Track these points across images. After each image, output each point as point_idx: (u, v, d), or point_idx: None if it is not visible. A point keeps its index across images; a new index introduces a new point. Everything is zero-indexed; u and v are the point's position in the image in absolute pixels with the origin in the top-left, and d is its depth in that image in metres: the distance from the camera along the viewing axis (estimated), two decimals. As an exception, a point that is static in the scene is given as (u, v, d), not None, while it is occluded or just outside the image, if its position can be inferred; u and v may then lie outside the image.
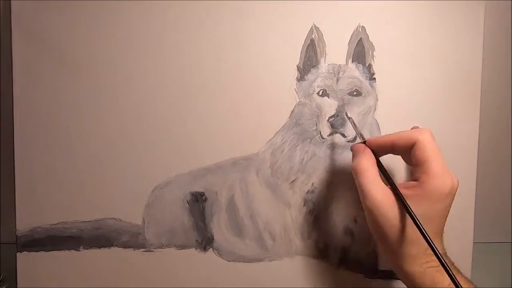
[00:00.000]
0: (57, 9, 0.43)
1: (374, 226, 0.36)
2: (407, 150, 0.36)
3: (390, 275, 0.46)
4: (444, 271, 0.33)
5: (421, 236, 0.33)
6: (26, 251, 0.44)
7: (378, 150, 0.38)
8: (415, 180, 0.36)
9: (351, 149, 0.40)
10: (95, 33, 0.43)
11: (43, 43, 0.43)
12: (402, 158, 0.39)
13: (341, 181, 0.45)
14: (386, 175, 0.37)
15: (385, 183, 0.37)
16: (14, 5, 0.43)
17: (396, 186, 0.35)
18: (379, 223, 0.35)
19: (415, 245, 0.34)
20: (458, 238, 0.45)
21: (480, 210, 0.46)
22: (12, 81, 0.43)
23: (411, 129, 0.39)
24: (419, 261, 0.35)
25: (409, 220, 0.34)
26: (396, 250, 0.35)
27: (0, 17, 0.45)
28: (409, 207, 0.34)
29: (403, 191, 0.35)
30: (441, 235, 0.37)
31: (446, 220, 0.36)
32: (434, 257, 0.34)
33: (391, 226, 0.35)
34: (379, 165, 0.37)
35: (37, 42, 0.43)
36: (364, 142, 0.39)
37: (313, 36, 0.44)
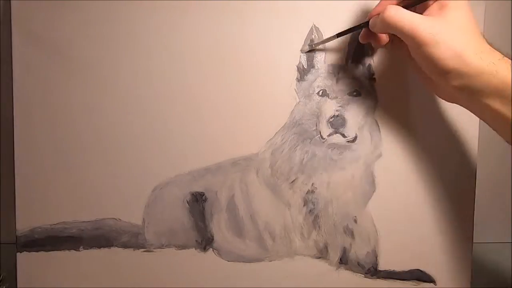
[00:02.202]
0: (57, 9, 0.43)
1: (440, 53, 0.34)
2: None
3: (390, 275, 0.46)
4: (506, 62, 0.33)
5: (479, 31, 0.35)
6: (26, 251, 0.44)
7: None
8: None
9: (372, 22, 0.38)
10: (95, 33, 0.43)
11: (43, 43, 0.43)
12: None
13: (341, 181, 0.45)
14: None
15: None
16: (14, 5, 0.43)
17: None
18: (441, 44, 0.34)
19: (483, 42, 0.35)
20: (458, 238, 0.45)
21: (480, 210, 0.46)
22: (12, 81, 0.43)
23: None
24: (488, 56, 0.34)
25: (462, 24, 0.35)
26: (471, 59, 0.34)
27: (0, 17, 0.45)
28: None
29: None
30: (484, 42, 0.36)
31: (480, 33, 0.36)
32: (494, 55, 0.34)
33: (455, 39, 0.34)
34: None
35: (37, 42, 0.43)
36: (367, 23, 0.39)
37: (313, 36, 0.44)
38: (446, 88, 0.36)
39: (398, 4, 0.37)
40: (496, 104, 0.34)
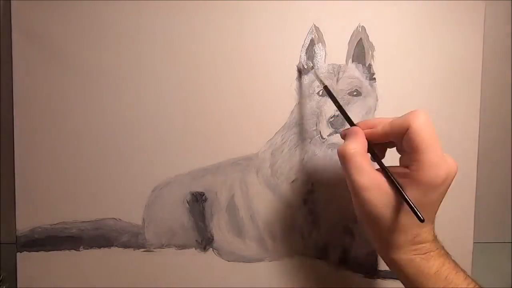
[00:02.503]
0: (57, 9, 0.43)
1: (362, 212, 0.34)
2: (401, 137, 0.33)
3: (390, 275, 0.46)
4: (431, 257, 0.33)
5: (409, 224, 0.32)
6: (26, 251, 0.44)
7: (369, 139, 0.35)
8: (406, 167, 0.33)
9: (342, 135, 0.37)
10: (96, 33, 0.43)
11: (43, 43, 0.43)
12: (396, 147, 0.36)
13: (341, 181, 0.45)
14: (377, 160, 0.35)
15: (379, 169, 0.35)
16: (14, 5, 0.43)
17: (388, 170, 0.33)
18: (365, 210, 0.33)
19: (402, 234, 0.33)
20: (458, 238, 0.45)
21: (480, 210, 0.46)
22: (12, 81, 0.43)
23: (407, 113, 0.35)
24: (406, 249, 0.33)
25: (396, 208, 0.32)
26: (382, 237, 0.34)
27: (0, 17, 0.45)
28: (400, 187, 0.32)
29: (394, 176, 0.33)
30: (433, 222, 0.35)
31: (439, 207, 0.34)
32: (421, 246, 0.33)
33: (377, 214, 0.33)
34: (370, 150, 0.35)
35: (37, 42, 0.43)
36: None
37: (313, 36, 0.44)
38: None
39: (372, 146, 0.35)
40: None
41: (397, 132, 0.33)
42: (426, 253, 0.33)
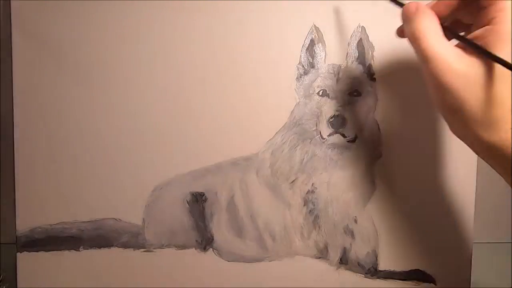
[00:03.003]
0: (57, 9, 0.43)
1: (448, 95, 0.28)
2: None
3: (390, 275, 0.46)
4: None
5: (508, 96, 0.27)
6: (26, 251, 0.44)
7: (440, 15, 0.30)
8: (487, 23, 0.28)
9: (402, 13, 0.32)
10: (95, 33, 0.43)
11: (43, 43, 0.43)
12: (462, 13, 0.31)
13: (341, 181, 0.45)
14: (451, 32, 0.30)
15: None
16: (14, 5, 0.43)
17: (467, 39, 0.29)
18: (454, 88, 0.28)
19: (499, 106, 0.28)
20: (458, 238, 0.45)
21: (480, 210, 0.46)
22: (12, 81, 0.43)
23: None
24: (506, 125, 0.28)
25: (490, 77, 0.27)
26: (476, 117, 0.28)
27: (0, 17, 0.45)
28: (492, 53, 0.27)
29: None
30: None
31: None
32: None
33: (469, 88, 0.27)
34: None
35: (37, 42, 0.43)
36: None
37: (313, 36, 0.44)
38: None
39: (444, 16, 0.30)
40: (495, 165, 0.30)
41: None
42: None
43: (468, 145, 0.32)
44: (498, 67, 0.27)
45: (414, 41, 0.30)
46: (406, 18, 0.31)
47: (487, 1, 0.28)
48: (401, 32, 0.35)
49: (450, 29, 0.30)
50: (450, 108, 0.29)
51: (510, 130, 0.28)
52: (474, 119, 0.29)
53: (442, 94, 0.29)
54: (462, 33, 0.32)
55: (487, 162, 0.31)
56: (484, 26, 0.28)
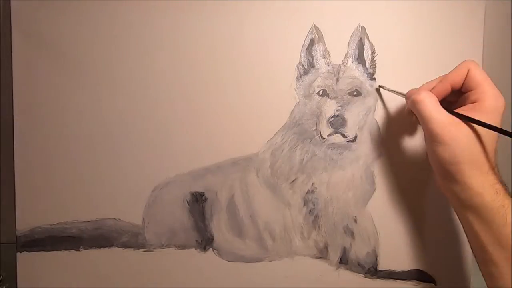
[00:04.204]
0: (57, 9, 0.43)
1: (441, 151, 0.35)
2: (461, 82, 0.37)
3: (390, 275, 0.46)
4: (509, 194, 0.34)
5: (487, 152, 0.34)
6: (26, 251, 0.44)
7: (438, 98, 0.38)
8: (472, 102, 0.36)
9: (406, 97, 0.40)
10: (95, 33, 0.43)
11: (43, 43, 0.43)
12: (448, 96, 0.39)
13: (341, 181, 0.45)
14: (447, 107, 0.37)
15: None
16: (14, 5, 0.43)
17: (457, 112, 0.36)
18: (447, 146, 0.35)
19: (483, 162, 0.35)
20: (458, 238, 0.45)
21: (480, 210, 0.46)
22: (12, 81, 0.43)
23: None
24: (490, 179, 0.35)
25: (476, 139, 0.35)
26: (466, 172, 0.35)
27: (0, 17, 0.45)
28: (480, 121, 0.34)
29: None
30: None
31: None
32: (500, 178, 0.35)
33: (459, 144, 0.35)
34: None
35: (37, 42, 0.43)
36: None
37: (313, 36, 0.44)
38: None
39: (441, 98, 0.38)
40: (473, 219, 0.35)
41: (459, 78, 0.37)
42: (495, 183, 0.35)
43: (448, 196, 0.38)
44: (475, 132, 0.35)
45: (417, 105, 0.36)
46: (410, 94, 0.39)
47: (471, 86, 0.37)
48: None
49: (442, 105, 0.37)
50: (444, 161, 0.35)
51: (494, 185, 0.35)
52: (464, 175, 0.35)
53: (439, 148, 0.35)
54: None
55: (461, 214, 0.37)
56: (471, 103, 0.37)
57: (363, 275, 0.46)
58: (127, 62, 0.44)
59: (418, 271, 0.46)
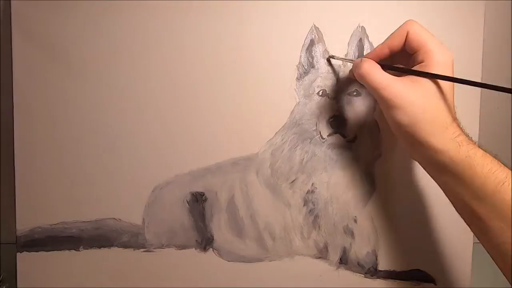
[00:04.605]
0: (57, 9, 0.43)
1: (398, 115, 0.35)
2: (402, 46, 0.38)
3: (390, 275, 0.46)
4: (476, 144, 0.34)
5: (444, 107, 0.34)
6: (26, 251, 0.44)
7: (377, 61, 0.38)
8: (420, 62, 0.36)
9: (352, 66, 0.40)
10: (96, 33, 0.43)
11: (43, 43, 0.43)
12: (397, 60, 0.39)
13: (341, 181, 0.45)
14: (391, 67, 0.37)
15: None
16: (14, 5, 0.43)
17: (405, 68, 0.37)
18: (401, 108, 0.35)
19: (441, 118, 0.35)
20: (458, 238, 0.45)
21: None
22: (12, 81, 0.43)
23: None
24: (450, 133, 0.34)
25: (431, 95, 0.35)
26: (425, 131, 0.34)
27: (0, 17, 0.45)
28: (429, 73, 0.35)
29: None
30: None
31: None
32: (462, 130, 0.35)
33: (414, 105, 0.34)
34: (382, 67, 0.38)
35: (37, 42, 0.43)
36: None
37: (313, 36, 0.44)
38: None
39: (380, 63, 0.38)
40: (447, 179, 0.35)
41: (398, 40, 0.37)
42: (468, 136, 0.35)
43: (418, 161, 0.38)
44: (429, 88, 0.35)
45: (363, 78, 0.37)
46: (355, 67, 0.39)
47: (415, 47, 0.37)
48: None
49: (385, 66, 0.38)
50: (402, 124, 0.35)
51: (456, 138, 0.34)
52: (424, 132, 0.34)
53: (394, 113, 0.35)
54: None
55: (438, 180, 0.37)
56: (419, 63, 0.36)
57: (363, 275, 0.46)
58: (127, 62, 0.44)
59: (418, 271, 0.46)
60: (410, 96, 0.35)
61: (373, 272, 0.46)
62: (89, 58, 0.43)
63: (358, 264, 0.45)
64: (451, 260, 0.45)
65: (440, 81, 0.35)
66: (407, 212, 0.45)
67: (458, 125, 0.35)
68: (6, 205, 0.46)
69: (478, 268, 0.46)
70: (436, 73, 0.35)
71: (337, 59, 0.43)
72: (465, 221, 0.36)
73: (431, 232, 0.45)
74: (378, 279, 0.46)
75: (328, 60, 0.44)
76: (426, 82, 0.35)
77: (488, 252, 0.34)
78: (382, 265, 0.45)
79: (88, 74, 0.44)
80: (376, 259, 0.45)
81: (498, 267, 0.34)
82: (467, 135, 0.35)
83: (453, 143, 0.34)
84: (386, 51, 0.38)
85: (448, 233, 0.45)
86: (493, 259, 0.34)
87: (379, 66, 0.37)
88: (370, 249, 0.45)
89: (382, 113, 0.44)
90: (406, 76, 0.36)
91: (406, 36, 0.37)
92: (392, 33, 0.38)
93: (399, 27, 0.38)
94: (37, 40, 0.43)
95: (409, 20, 0.37)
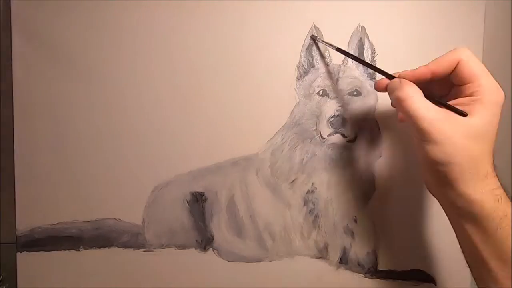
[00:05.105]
0: (57, 9, 0.43)
1: (434, 152, 0.32)
2: (448, 74, 0.34)
3: (390, 275, 0.46)
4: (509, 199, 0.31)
5: (485, 152, 0.31)
6: (26, 251, 0.44)
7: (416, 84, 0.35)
8: (467, 96, 0.33)
9: (387, 87, 0.36)
10: (96, 33, 0.43)
11: (43, 43, 0.43)
12: (437, 87, 0.36)
13: (341, 181, 0.45)
14: (435, 99, 0.34)
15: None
16: (14, 5, 0.43)
17: (449, 105, 0.33)
18: (440, 145, 0.31)
19: (481, 164, 0.31)
20: (458, 238, 0.45)
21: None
22: (12, 81, 0.43)
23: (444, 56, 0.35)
24: (490, 184, 0.31)
25: (473, 137, 0.31)
26: (461, 175, 0.31)
27: (0, 17, 0.45)
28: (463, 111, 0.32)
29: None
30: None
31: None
32: (499, 181, 0.31)
33: (455, 144, 0.31)
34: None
35: (37, 42, 0.43)
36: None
37: (313, 35, 0.44)
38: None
39: (424, 89, 0.34)
40: (468, 227, 0.32)
41: (446, 67, 0.34)
42: (497, 188, 0.32)
43: (440, 200, 0.35)
44: (474, 128, 0.32)
45: (402, 103, 0.33)
46: (392, 89, 0.35)
47: (465, 79, 0.33)
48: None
49: (428, 95, 0.34)
50: (437, 162, 0.32)
51: (488, 187, 0.31)
52: (458, 175, 0.31)
53: (431, 148, 0.32)
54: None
55: (456, 223, 0.34)
56: (466, 96, 0.33)
57: (363, 275, 0.46)
58: (127, 62, 0.44)
59: (418, 271, 0.46)
60: (452, 133, 0.31)
61: (373, 272, 0.46)
62: (89, 58, 0.43)
63: (358, 264, 0.45)
64: (451, 260, 0.45)
65: (489, 124, 0.32)
66: (407, 212, 0.45)
67: (497, 175, 0.32)
68: (6, 205, 0.46)
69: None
70: (485, 112, 0.32)
71: (320, 42, 0.42)
72: (472, 272, 0.34)
73: (431, 232, 0.45)
74: (378, 279, 0.46)
75: (313, 39, 0.43)
76: (473, 121, 0.32)
77: None
78: (382, 265, 0.45)
79: (88, 74, 0.44)
80: (376, 259, 0.45)
81: None
82: (505, 189, 0.32)
83: (491, 195, 0.31)
84: (427, 75, 0.35)
85: (448, 233, 0.45)
86: None
87: (421, 93, 0.33)
88: (370, 249, 0.45)
89: (382, 113, 0.44)
90: (447, 111, 0.33)
91: (457, 65, 0.34)
92: (439, 58, 0.35)
93: (449, 53, 0.34)
94: (37, 40, 0.43)
95: (462, 47, 0.34)
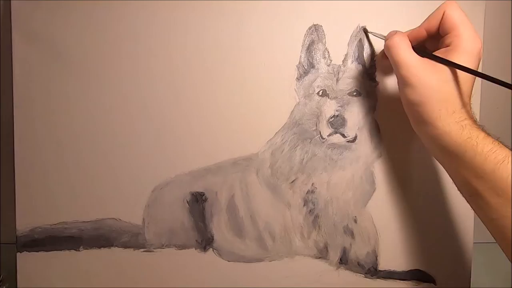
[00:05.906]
0: (57, 10, 0.43)
1: (410, 94, 0.36)
2: (437, 26, 0.38)
3: (390, 275, 0.46)
4: (480, 127, 0.35)
5: (456, 93, 0.35)
6: (26, 251, 0.44)
7: (412, 42, 0.38)
8: (447, 45, 0.37)
9: (386, 36, 0.40)
10: (95, 33, 0.43)
11: (43, 43, 0.43)
12: (431, 43, 0.39)
13: (341, 181, 0.45)
14: (420, 48, 0.37)
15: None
16: (14, 5, 0.43)
17: (434, 55, 0.36)
18: (414, 88, 0.36)
19: (450, 102, 0.35)
20: (458, 238, 0.45)
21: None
22: (12, 81, 0.43)
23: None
24: (456, 117, 0.35)
25: (448, 81, 0.35)
26: (432, 113, 0.35)
27: (0, 17, 0.45)
28: (449, 60, 0.35)
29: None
30: (470, 99, 0.37)
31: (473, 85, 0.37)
32: (470, 115, 0.35)
33: (427, 87, 0.35)
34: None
35: (37, 42, 0.43)
36: None
37: (313, 36, 0.44)
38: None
39: (416, 42, 0.38)
40: (449, 159, 0.36)
41: (434, 21, 0.38)
42: (474, 122, 0.35)
43: (422, 139, 0.38)
44: (447, 73, 0.36)
45: (389, 50, 0.37)
46: (387, 37, 0.39)
47: (447, 29, 0.37)
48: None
49: (418, 48, 0.38)
50: (412, 103, 0.37)
51: (461, 122, 0.35)
52: (431, 114, 0.35)
53: (407, 91, 0.36)
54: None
55: (440, 158, 0.38)
56: (445, 47, 0.37)
57: (363, 275, 0.46)
58: (127, 62, 0.44)
59: (418, 271, 0.46)
60: (425, 78, 0.35)
61: (373, 272, 0.46)
62: (89, 58, 0.43)
63: (358, 264, 0.45)
64: (451, 260, 0.45)
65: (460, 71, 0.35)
66: (407, 212, 0.45)
67: (468, 111, 0.36)
68: (6, 205, 0.46)
69: (478, 268, 0.46)
70: (460, 60, 0.35)
71: (371, 33, 0.43)
72: (465, 197, 0.37)
73: (431, 232, 0.45)
74: (378, 279, 0.46)
75: (365, 32, 0.43)
76: (445, 68, 0.35)
77: (487, 227, 0.35)
78: (382, 265, 0.45)
79: (88, 74, 0.44)
80: (376, 259, 0.45)
81: (496, 241, 0.35)
82: (474, 120, 0.35)
83: (456, 125, 0.35)
84: (423, 33, 0.38)
85: (448, 233, 0.45)
86: (491, 234, 0.35)
87: (409, 44, 0.37)
88: (370, 249, 0.45)
89: (382, 113, 0.44)
90: (428, 60, 0.36)
91: (442, 17, 0.37)
92: (429, 15, 0.38)
93: (437, 8, 0.38)
94: (37, 40, 0.43)
95: (448, 1, 0.37)
